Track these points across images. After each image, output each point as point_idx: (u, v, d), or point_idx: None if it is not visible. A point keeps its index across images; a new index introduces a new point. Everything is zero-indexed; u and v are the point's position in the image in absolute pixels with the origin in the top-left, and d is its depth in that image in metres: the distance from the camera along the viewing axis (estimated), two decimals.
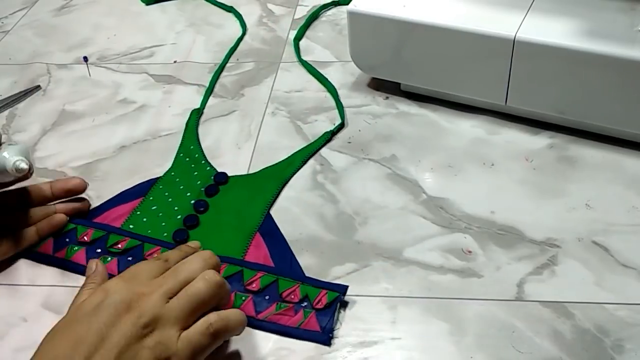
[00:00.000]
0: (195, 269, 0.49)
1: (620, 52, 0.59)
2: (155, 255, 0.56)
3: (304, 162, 0.67)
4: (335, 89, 0.76)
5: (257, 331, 0.52)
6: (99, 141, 0.73)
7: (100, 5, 0.99)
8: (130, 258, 0.58)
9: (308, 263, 0.57)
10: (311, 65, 0.80)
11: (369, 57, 0.73)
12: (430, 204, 0.62)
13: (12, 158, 0.55)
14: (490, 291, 0.54)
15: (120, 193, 0.66)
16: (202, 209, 0.63)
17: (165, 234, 0.61)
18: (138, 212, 0.63)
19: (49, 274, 0.58)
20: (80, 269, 0.58)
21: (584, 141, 0.67)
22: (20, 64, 0.87)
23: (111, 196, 0.65)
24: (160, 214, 0.63)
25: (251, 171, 0.67)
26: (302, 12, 0.92)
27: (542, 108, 0.67)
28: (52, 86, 0.82)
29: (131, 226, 0.62)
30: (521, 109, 0.69)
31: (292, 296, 0.53)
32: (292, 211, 0.62)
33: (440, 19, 0.66)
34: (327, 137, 0.70)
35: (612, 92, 0.62)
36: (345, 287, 0.53)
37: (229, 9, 0.94)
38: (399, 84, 0.75)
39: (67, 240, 0.60)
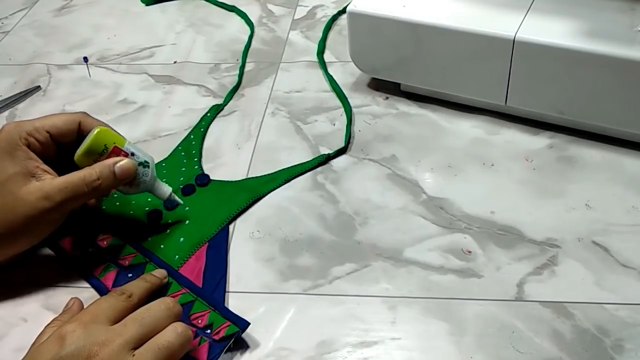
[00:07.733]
0: (161, 318, 0.47)
1: (620, 52, 0.59)
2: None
3: (287, 181, 0.65)
4: (350, 107, 0.73)
5: (256, 331, 0.52)
6: None
7: (100, 6, 0.99)
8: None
9: (308, 263, 0.57)
10: (336, 82, 0.77)
11: (369, 57, 0.73)
12: (430, 204, 0.62)
13: (169, 190, 0.60)
14: (490, 291, 0.54)
15: None
16: (169, 206, 0.62)
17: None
18: (115, 195, 0.64)
19: (49, 274, 0.58)
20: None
21: (583, 141, 0.67)
22: (20, 64, 0.87)
23: None
24: (133, 202, 0.63)
25: (251, 171, 0.67)
26: (302, 12, 0.92)
27: (541, 108, 0.67)
28: (52, 86, 0.82)
29: (104, 207, 0.63)
30: (521, 109, 0.69)
31: (199, 320, 0.52)
32: (292, 211, 0.62)
33: (440, 19, 0.66)
34: (321, 160, 0.67)
35: (612, 92, 0.62)
36: (247, 324, 0.51)
37: (232, 9, 0.94)
38: (399, 84, 0.75)
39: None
